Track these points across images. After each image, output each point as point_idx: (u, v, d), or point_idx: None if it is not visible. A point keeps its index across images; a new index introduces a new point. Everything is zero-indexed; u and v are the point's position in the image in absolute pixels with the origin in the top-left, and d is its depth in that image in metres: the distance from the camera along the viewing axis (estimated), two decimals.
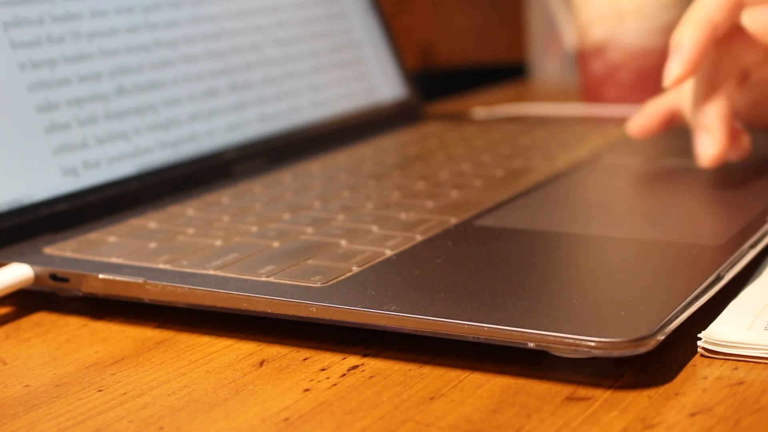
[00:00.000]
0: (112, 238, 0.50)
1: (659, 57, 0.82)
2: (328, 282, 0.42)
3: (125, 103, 0.57)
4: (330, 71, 0.72)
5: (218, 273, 0.44)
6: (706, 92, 0.54)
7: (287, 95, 0.68)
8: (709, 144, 0.53)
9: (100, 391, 0.38)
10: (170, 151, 0.58)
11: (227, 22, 0.65)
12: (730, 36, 0.54)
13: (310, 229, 0.50)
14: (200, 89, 0.62)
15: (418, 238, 0.48)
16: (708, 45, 0.52)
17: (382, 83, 0.77)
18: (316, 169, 0.63)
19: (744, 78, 0.56)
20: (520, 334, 0.37)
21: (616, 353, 0.36)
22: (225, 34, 0.65)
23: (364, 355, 0.40)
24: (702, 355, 0.39)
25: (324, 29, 0.73)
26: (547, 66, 1.05)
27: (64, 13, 0.55)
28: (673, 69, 0.52)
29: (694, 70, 0.52)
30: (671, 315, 0.37)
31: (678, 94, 0.58)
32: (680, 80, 0.52)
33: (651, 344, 0.36)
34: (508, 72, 1.11)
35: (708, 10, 0.52)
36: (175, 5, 0.62)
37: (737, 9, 0.53)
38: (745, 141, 0.55)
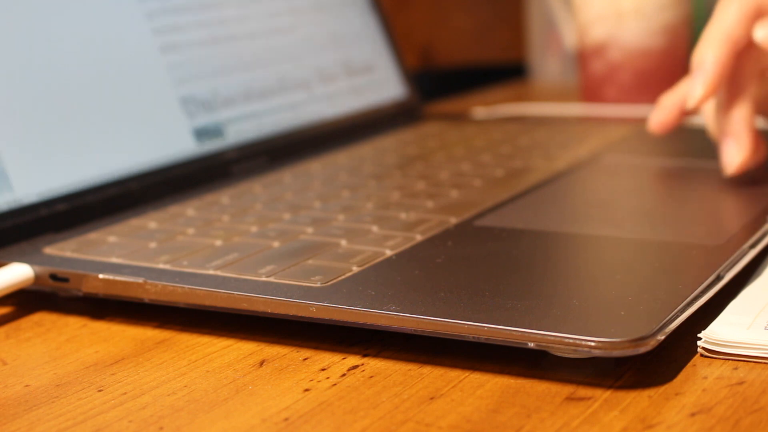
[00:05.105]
0: (112, 238, 0.50)
1: (659, 57, 0.83)
2: (328, 282, 0.42)
3: None
4: (328, 71, 0.72)
5: (218, 273, 0.44)
6: (730, 99, 0.54)
7: (289, 94, 0.68)
8: (736, 151, 0.54)
9: (100, 391, 0.38)
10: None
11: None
12: (750, 41, 0.54)
13: (310, 229, 0.50)
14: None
15: (418, 238, 0.48)
16: (730, 61, 0.53)
17: (381, 83, 0.76)
18: (316, 169, 0.63)
19: (762, 75, 0.56)
20: (520, 334, 0.37)
21: (616, 353, 0.36)
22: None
23: (364, 355, 0.40)
24: (702, 355, 0.39)
25: (321, 26, 0.73)
26: (547, 66, 1.05)
27: None
28: (696, 89, 0.53)
29: (717, 88, 0.53)
30: (671, 315, 0.37)
31: None
32: (704, 100, 0.53)
33: (651, 344, 0.36)
34: (508, 72, 1.11)
35: (727, 25, 0.53)
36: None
37: (756, 21, 0.53)
38: (764, 148, 0.55)
